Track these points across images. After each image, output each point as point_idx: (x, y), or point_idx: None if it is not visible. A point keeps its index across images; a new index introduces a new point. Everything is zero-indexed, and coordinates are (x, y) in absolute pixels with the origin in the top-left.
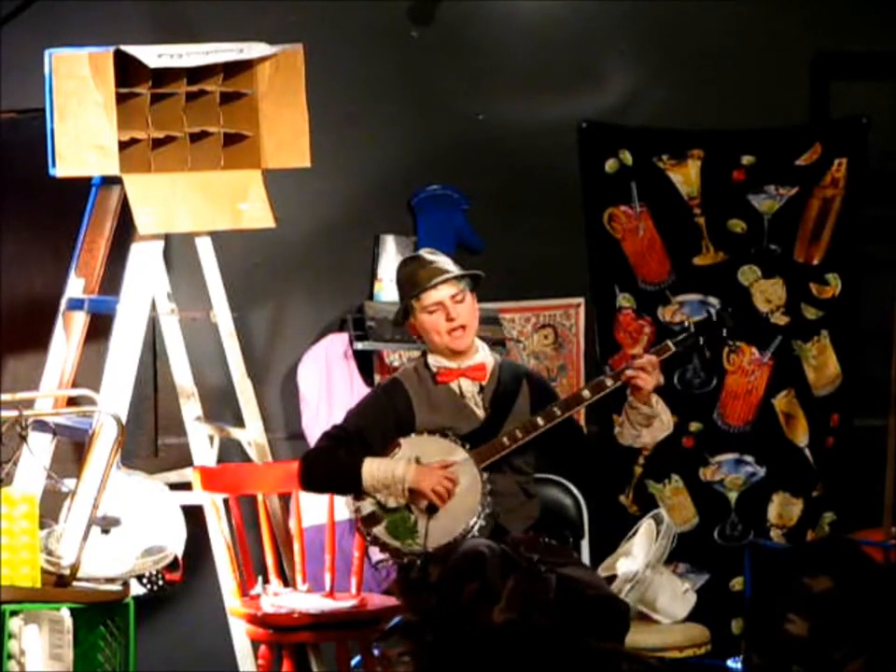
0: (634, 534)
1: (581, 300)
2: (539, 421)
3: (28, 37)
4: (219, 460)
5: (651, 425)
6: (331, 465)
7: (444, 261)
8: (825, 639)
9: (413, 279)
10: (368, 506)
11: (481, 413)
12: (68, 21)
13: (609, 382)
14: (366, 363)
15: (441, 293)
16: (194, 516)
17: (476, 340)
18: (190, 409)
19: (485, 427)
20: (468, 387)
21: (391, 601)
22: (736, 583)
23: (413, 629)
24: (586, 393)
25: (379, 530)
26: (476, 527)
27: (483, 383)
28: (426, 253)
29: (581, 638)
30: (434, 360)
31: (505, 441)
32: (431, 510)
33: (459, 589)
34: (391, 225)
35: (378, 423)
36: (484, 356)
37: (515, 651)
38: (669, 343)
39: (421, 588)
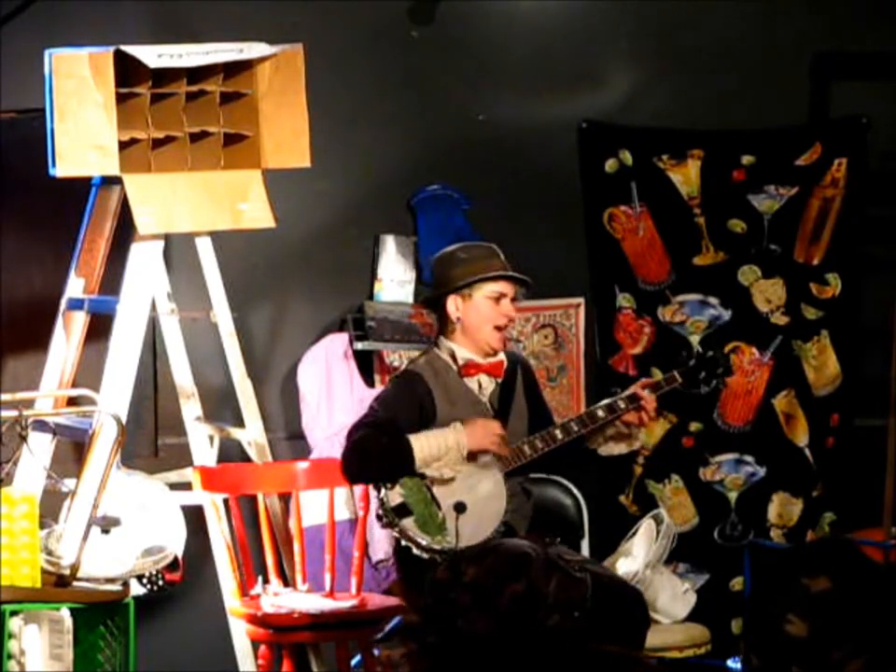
0: (634, 534)
1: (580, 300)
2: (558, 434)
3: (28, 37)
4: (219, 460)
5: (624, 440)
6: (379, 450)
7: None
8: (825, 640)
9: (489, 263)
10: (396, 497)
11: (490, 408)
12: (68, 21)
13: (622, 404)
14: (366, 363)
15: (509, 288)
16: (194, 516)
17: None
18: (190, 409)
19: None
20: (486, 383)
21: (391, 601)
22: (736, 583)
23: (415, 630)
24: (601, 413)
25: (408, 523)
26: (501, 531)
27: (500, 380)
28: (497, 249)
29: (613, 635)
30: (461, 353)
31: (527, 450)
32: (459, 508)
33: (500, 589)
34: (391, 225)
35: (405, 412)
36: (502, 354)
37: (556, 653)
38: (676, 374)
39: (452, 588)
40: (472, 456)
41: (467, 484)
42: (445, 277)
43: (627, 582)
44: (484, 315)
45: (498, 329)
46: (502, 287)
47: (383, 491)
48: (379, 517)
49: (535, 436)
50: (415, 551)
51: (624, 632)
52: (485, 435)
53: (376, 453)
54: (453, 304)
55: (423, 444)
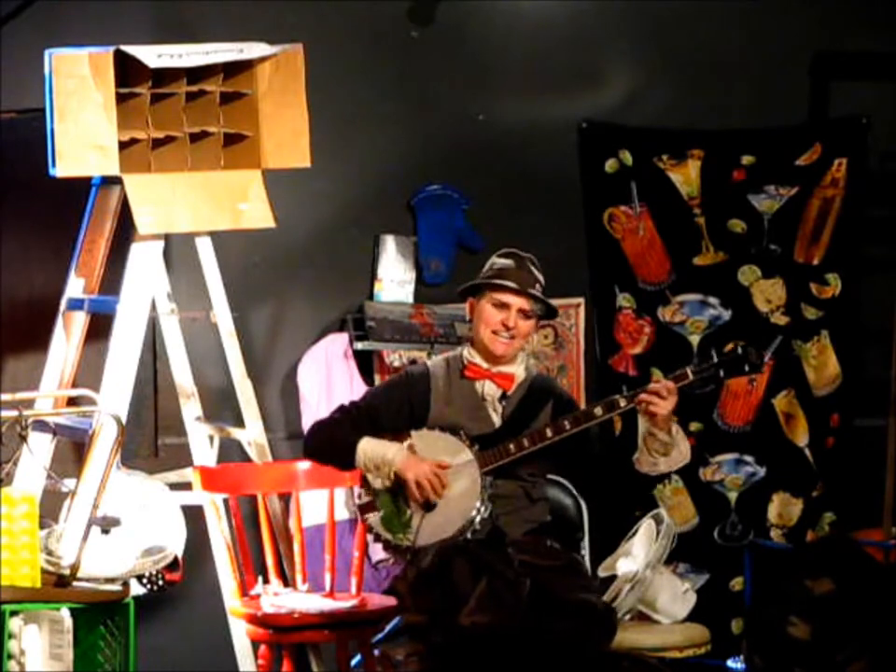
0: (634, 534)
1: (580, 300)
2: (548, 432)
3: (28, 37)
4: (219, 460)
5: (668, 454)
6: (333, 436)
7: (539, 278)
8: (827, 642)
9: (505, 271)
10: (368, 493)
11: (497, 419)
12: (68, 21)
13: (622, 402)
14: (366, 363)
15: (515, 300)
16: (194, 516)
17: (520, 353)
18: (190, 409)
19: (498, 434)
20: (490, 391)
21: (391, 601)
22: (736, 583)
23: (419, 630)
24: (598, 410)
25: (374, 519)
26: (469, 531)
27: (508, 392)
28: (531, 262)
29: (557, 642)
30: (468, 354)
31: (511, 447)
32: (427, 507)
33: (429, 590)
34: (391, 225)
35: (391, 407)
36: (518, 368)
37: (487, 654)
38: (689, 371)
39: (401, 588)
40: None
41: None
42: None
43: (582, 596)
44: (483, 319)
45: (495, 333)
46: (505, 297)
47: (357, 488)
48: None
49: (523, 434)
50: (383, 548)
51: (573, 641)
52: (417, 471)
53: (327, 440)
54: (468, 305)
55: (367, 450)
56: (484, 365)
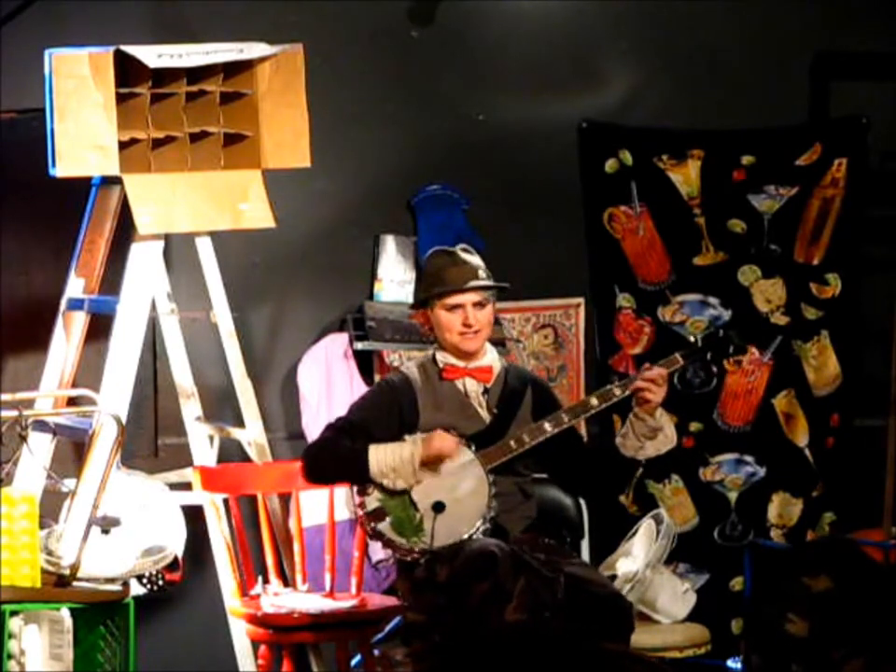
0: (634, 534)
1: (580, 300)
2: (547, 426)
3: (28, 37)
4: (219, 460)
5: (655, 437)
6: (336, 454)
7: (477, 264)
8: (825, 639)
9: (442, 275)
10: (373, 501)
11: (485, 414)
12: (68, 21)
13: (617, 391)
14: (366, 363)
15: (466, 297)
16: (194, 516)
17: (486, 343)
18: (190, 409)
19: (490, 429)
20: (472, 388)
21: (391, 601)
22: (736, 583)
23: (419, 629)
24: (594, 401)
25: (384, 526)
26: (482, 530)
27: (489, 385)
28: (461, 251)
29: (590, 637)
30: (442, 357)
31: (512, 444)
32: (437, 508)
33: (469, 589)
34: (391, 225)
35: (382, 416)
36: (492, 359)
37: (524, 652)
38: (678, 356)
39: (427, 588)
40: (431, 466)
41: (448, 483)
42: (416, 292)
43: (611, 589)
44: (445, 325)
45: (464, 333)
46: (454, 299)
47: (357, 498)
48: (361, 522)
49: (523, 430)
50: (395, 553)
51: (603, 636)
52: (440, 443)
53: (332, 459)
54: (422, 317)
55: (380, 456)
56: (461, 363)
